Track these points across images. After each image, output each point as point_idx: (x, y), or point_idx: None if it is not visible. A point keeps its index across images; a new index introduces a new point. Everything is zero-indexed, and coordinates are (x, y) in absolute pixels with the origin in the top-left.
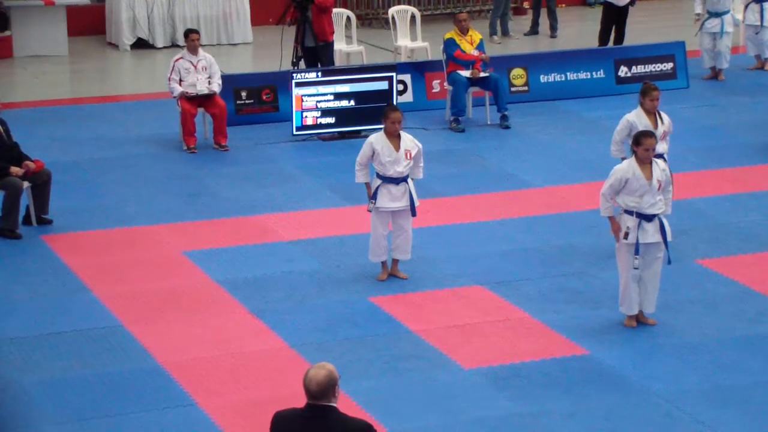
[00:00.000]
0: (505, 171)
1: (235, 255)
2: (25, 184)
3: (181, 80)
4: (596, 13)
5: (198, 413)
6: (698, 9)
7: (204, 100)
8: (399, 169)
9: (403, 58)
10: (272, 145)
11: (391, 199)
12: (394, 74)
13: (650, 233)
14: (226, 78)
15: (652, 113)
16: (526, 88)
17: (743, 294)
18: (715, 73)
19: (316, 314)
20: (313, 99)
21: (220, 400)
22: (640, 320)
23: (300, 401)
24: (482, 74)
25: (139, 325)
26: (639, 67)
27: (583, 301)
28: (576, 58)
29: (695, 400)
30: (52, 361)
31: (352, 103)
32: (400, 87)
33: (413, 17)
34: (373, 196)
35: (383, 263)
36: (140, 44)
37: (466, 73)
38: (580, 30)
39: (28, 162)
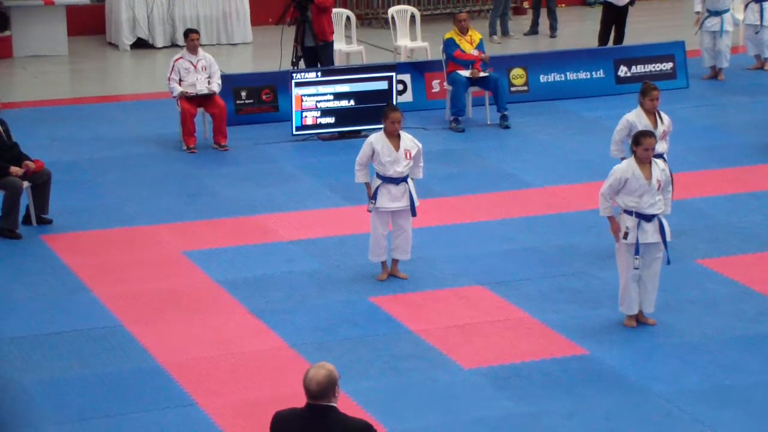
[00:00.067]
0: (505, 171)
1: (235, 255)
2: (25, 184)
3: (180, 80)
4: (596, 13)
5: (198, 413)
6: (698, 7)
7: (204, 100)
8: (399, 169)
9: (403, 58)
10: (272, 144)
11: (391, 199)
12: (393, 74)
13: (650, 233)
14: (225, 78)
15: (652, 113)
16: (525, 87)
17: (743, 294)
18: (715, 73)
19: (316, 314)
20: (312, 99)
21: (220, 400)
22: (639, 320)
23: (300, 401)
24: (482, 74)
25: (139, 325)
26: (639, 66)
27: (583, 301)
28: (576, 58)
29: (695, 400)
30: (52, 361)
31: (352, 102)
32: (400, 87)
33: (413, 17)
34: (373, 196)
35: (383, 263)
36: (140, 44)
37: (465, 73)
38: (579, 30)
39: (28, 162)
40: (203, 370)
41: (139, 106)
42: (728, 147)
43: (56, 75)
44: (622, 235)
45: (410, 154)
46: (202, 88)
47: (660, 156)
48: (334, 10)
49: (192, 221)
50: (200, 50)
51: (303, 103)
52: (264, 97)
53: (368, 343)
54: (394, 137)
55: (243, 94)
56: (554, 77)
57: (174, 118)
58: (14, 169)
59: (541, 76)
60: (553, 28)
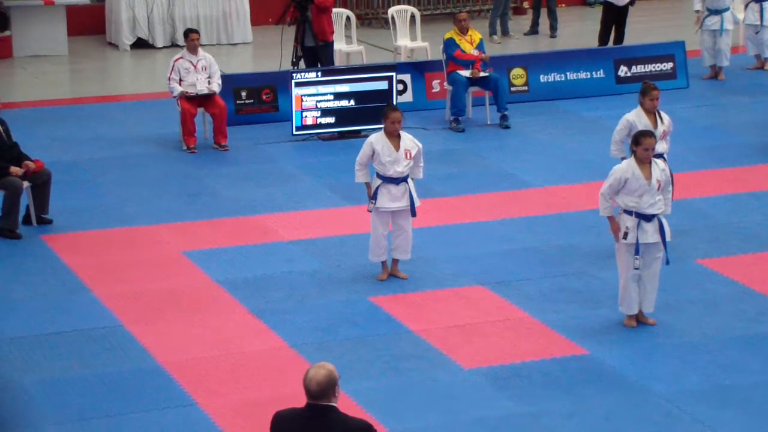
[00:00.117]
0: (505, 171)
1: (235, 255)
2: (25, 184)
3: (180, 80)
4: (596, 13)
5: (198, 413)
6: (698, 6)
7: (204, 100)
8: (399, 169)
9: (403, 58)
10: (272, 144)
11: (391, 199)
12: (393, 74)
13: (649, 233)
14: (225, 78)
15: (652, 113)
16: (525, 87)
17: (743, 294)
18: (715, 72)
19: (316, 314)
20: (312, 99)
21: (220, 400)
22: (639, 320)
23: (300, 401)
24: (482, 74)
25: (139, 325)
26: (639, 66)
27: (583, 301)
28: (576, 57)
29: (695, 400)
30: (52, 361)
31: (352, 102)
32: (400, 87)
33: (413, 17)
34: (373, 196)
35: (383, 263)
36: (140, 44)
37: (465, 73)
38: (580, 30)
39: (28, 162)
40: (203, 370)
41: (139, 106)
42: (728, 147)
43: (56, 75)
44: (621, 235)
45: (410, 154)
46: (202, 88)
47: (660, 156)
48: (334, 10)
49: (192, 221)
50: (200, 50)
51: (303, 103)
52: (264, 97)
53: (368, 343)
54: (394, 137)
55: (243, 94)
56: (554, 77)
57: (174, 118)
58: (14, 169)
59: (541, 76)
60: (553, 28)
